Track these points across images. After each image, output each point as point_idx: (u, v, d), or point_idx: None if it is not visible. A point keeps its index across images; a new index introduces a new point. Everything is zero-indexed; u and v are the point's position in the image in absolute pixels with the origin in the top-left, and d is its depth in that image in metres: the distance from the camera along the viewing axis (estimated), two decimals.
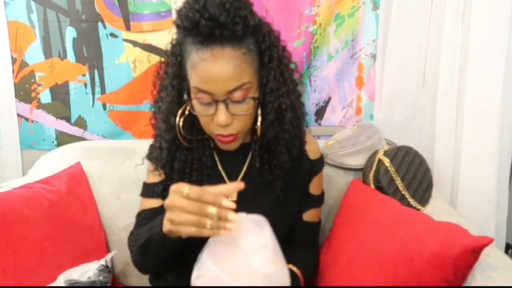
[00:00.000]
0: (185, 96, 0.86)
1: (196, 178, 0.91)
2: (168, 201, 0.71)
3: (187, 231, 0.69)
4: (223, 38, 0.75)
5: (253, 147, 0.93)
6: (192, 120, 0.88)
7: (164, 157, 0.90)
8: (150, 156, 0.96)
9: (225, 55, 0.76)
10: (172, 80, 0.85)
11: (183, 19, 0.76)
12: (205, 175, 0.92)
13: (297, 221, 1.01)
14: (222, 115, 0.79)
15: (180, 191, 0.68)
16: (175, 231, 0.72)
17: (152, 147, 0.96)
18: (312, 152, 0.99)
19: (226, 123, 0.80)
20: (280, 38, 0.88)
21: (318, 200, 1.04)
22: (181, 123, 0.86)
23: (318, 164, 1.02)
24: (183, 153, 0.91)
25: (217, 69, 0.76)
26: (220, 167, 0.95)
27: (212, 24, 0.74)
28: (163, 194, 0.92)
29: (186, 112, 0.86)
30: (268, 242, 0.73)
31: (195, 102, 0.82)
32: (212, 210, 0.66)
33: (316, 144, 1.03)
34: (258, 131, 0.87)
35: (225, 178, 0.95)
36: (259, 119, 0.86)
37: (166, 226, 0.73)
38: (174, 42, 0.87)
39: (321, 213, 1.07)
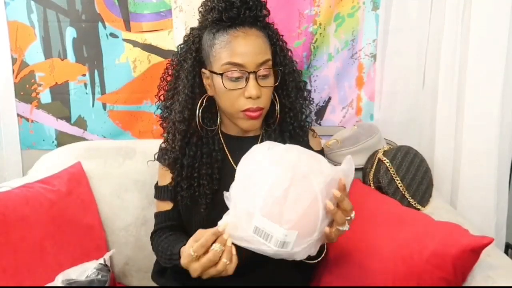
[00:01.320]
0: (198, 90, 0.95)
1: (206, 171, 0.96)
2: (184, 264, 0.77)
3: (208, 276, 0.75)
4: (250, 21, 0.90)
5: (262, 133, 1.00)
6: (204, 114, 0.97)
7: (177, 148, 0.96)
8: (160, 157, 1.02)
9: (254, 33, 0.90)
10: (188, 74, 0.94)
11: (217, 1, 0.89)
12: (215, 168, 0.97)
13: None
14: (253, 86, 0.89)
15: (189, 257, 0.74)
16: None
17: (161, 148, 1.02)
18: (315, 144, 1.06)
19: (257, 94, 0.89)
20: (280, 35, 1.00)
21: None
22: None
23: (321, 155, 1.07)
24: (192, 149, 0.97)
25: (248, 43, 0.89)
26: (230, 159, 0.99)
27: (242, 6, 0.89)
28: (175, 192, 0.99)
29: (203, 104, 0.96)
30: (299, 151, 0.78)
31: (225, 79, 0.90)
32: (216, 247, 0.73)
33: (318, 136, 1.09)
34: (277, 113, 0.97)
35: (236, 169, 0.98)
36: (277, 105, 0.97)
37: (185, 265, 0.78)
38: (188, 40, 0.97)
39: None
